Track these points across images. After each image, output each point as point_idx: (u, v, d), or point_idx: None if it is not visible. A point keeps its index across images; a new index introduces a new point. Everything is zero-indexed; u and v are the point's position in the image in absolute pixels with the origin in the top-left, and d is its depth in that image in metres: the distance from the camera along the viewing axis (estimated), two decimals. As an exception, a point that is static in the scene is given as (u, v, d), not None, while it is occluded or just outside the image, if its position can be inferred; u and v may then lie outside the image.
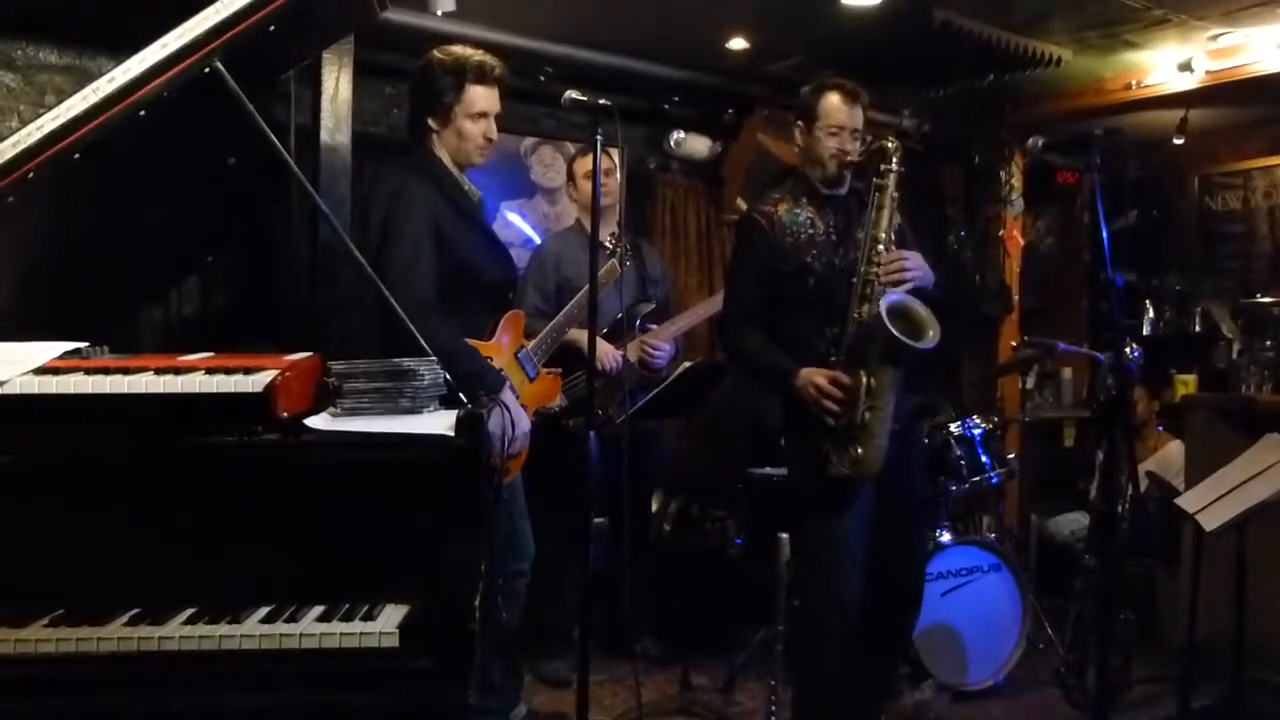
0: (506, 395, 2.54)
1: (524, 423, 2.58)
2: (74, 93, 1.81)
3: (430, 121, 2.71)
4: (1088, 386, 5.78)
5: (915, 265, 2.71)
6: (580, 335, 3.25)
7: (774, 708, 3.19)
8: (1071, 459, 5.55)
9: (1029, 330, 5.41)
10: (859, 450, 2.62)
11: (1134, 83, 4.76)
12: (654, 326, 3.81)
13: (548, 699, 3.52)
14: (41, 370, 1.62)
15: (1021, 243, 5.66)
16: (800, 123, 2.89)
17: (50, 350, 1.70)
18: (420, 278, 2.52)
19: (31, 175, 1.79)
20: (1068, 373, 5.94)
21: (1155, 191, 5.92)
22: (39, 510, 1.60)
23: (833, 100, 2.82)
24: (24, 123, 1.82)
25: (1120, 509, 3.82)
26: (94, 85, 1.80)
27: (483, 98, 2.69)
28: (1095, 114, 4.94)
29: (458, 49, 2.72)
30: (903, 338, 2.53)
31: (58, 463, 1.61)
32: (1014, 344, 5.23)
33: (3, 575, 1.57)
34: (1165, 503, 3.87)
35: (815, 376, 2.66)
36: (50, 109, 1.80)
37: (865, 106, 2.87)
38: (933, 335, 2.58)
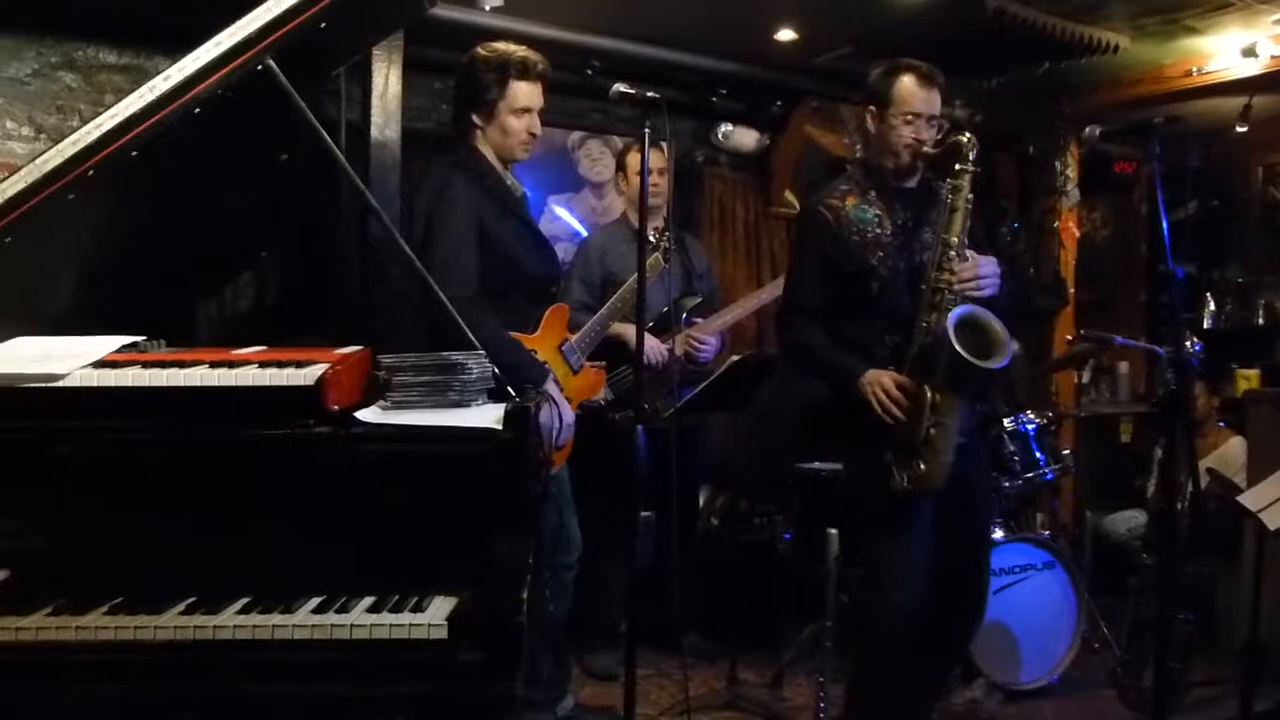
0: (550, 387, 2.55)
1: (569, 415, 2.59)
2: (132, 92, 1.84)
3: (474, 117, 2.72)
4: (1145, 381, 5.65)
5: (989, 274, 2.58)
6: (626, 329, 3.26)
7: (822, 704, 3.17)
8: (1128, 455, 5.45)
9: (1084, 324, 5.31)
10: (922, 466, 2.51)
11: (1195, 69, 4.63)
12: (699, 321, 3.79)
13: (595, 692, 3.53)
14: (100, 364, 1.66)
15: (1077, 234, 5.55)
16: (872, 108, 2.71)
17: (108, 344, 1.73)
18: (462, 272, 2.54)
19: (91, 173, 1.83)
20: (1124, 367, 5.82)
21: (1217, 181, 5.77)
22: (97, 500, 1.63)
23: (908, 84, 2.65)
24: (84, 121, 1.86)
25: (1179, 506, 3.73)
26: (150, 84, 1.83)
27: (526, 93, 2.70)
28: (1154, 102, 4.82)
29: (500, 45, 2.73)
30: (969, 357, 2.40)
31: (115, 454, 1.64)
32: (1069, 338, 5.13)
33: (63, 564, 1.60)
34: (1226, 500, 3.77)
35: (883, 378, 2.55)
36: (109, 108, 1.84)
37: (943, 90, 2.70)
38: (1002, 354, 2.45)
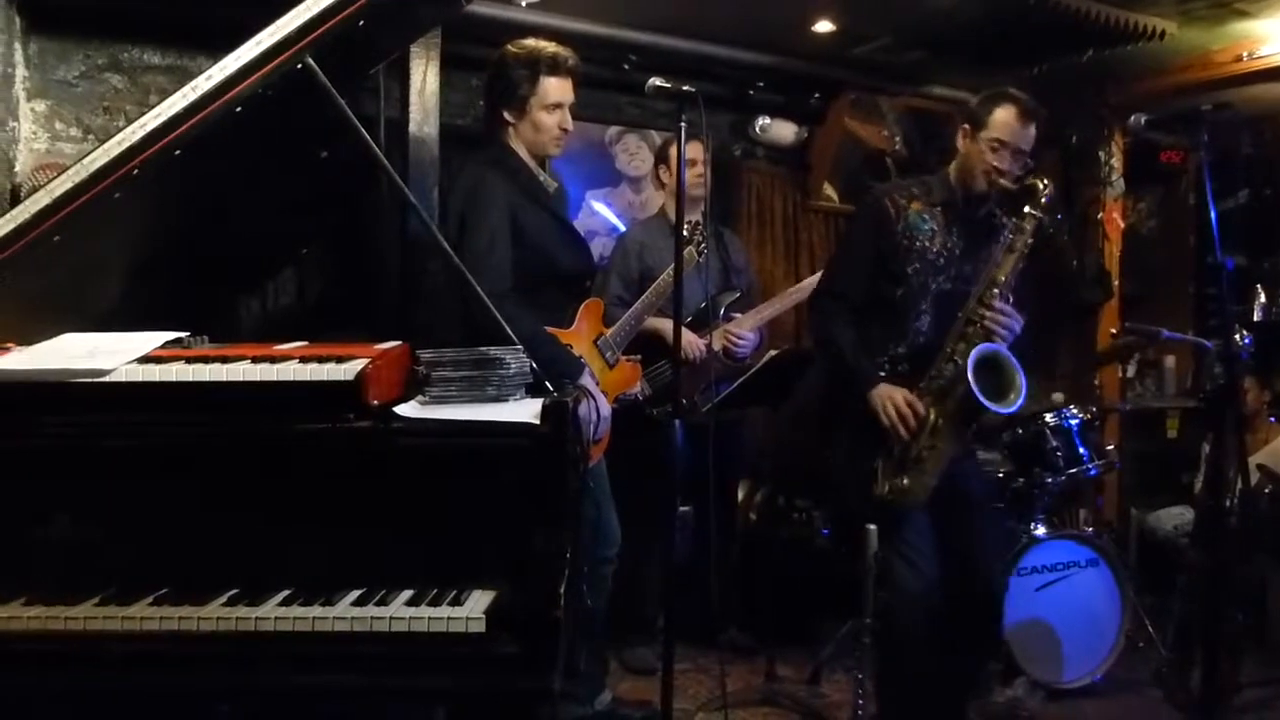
0: (586, 381, 2.56)
1: (606, 409, 2.60)
2: (175, 92, 1.87)
3: (506, 114, 2.74)
4: (1193, 375, 5.54)
5: (1013, 330, 2.62)
6: (663, 324, 3.26)
7: (860, 701, 3.14)
8: (1174, 451, 5.34)
9: (1130, 317, 5.22)
10: (906, 481, 2.59)
11: (1245, 54, 4.52)
12: (737, 315, 3.78)
13: (632, 686, 3.53)
14: (145, 359, 1.68)
15: (1122, 226, 5.45)
16: (965, 126, 2.76)
17: (153, 340, 1.76)
18: (497, 268, 2.56)
19: (136, 172, 1.86)
20: (1171, 361, 5.71)
21: (1268, 169, 5.63)
22: (142, 493, 1.66)
23: (1007, 112, 2.67)
24: (130, 122, 1.89)
25: (1228, 503, 3.66)
26: (193, 84, 1.86)
27: (557, 89, 2.71)
28: (1202, 89, 4.71)
29: (530, 41, 2.74)
30: (981, 398, 2.48)
31: (159, 447, 1.67)
32: (1113, 331, 5.05)
33: (110, 556, 1.63)
34: (1277, 497, 3.69)
35: (895, 395, 2.60)
36: (154, 108, 1.87)
37: (1042, 127, 2.73)
38: (1014, 399, 2.52)
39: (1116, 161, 5.33)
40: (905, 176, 2.99)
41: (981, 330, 2.58)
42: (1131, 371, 4.55)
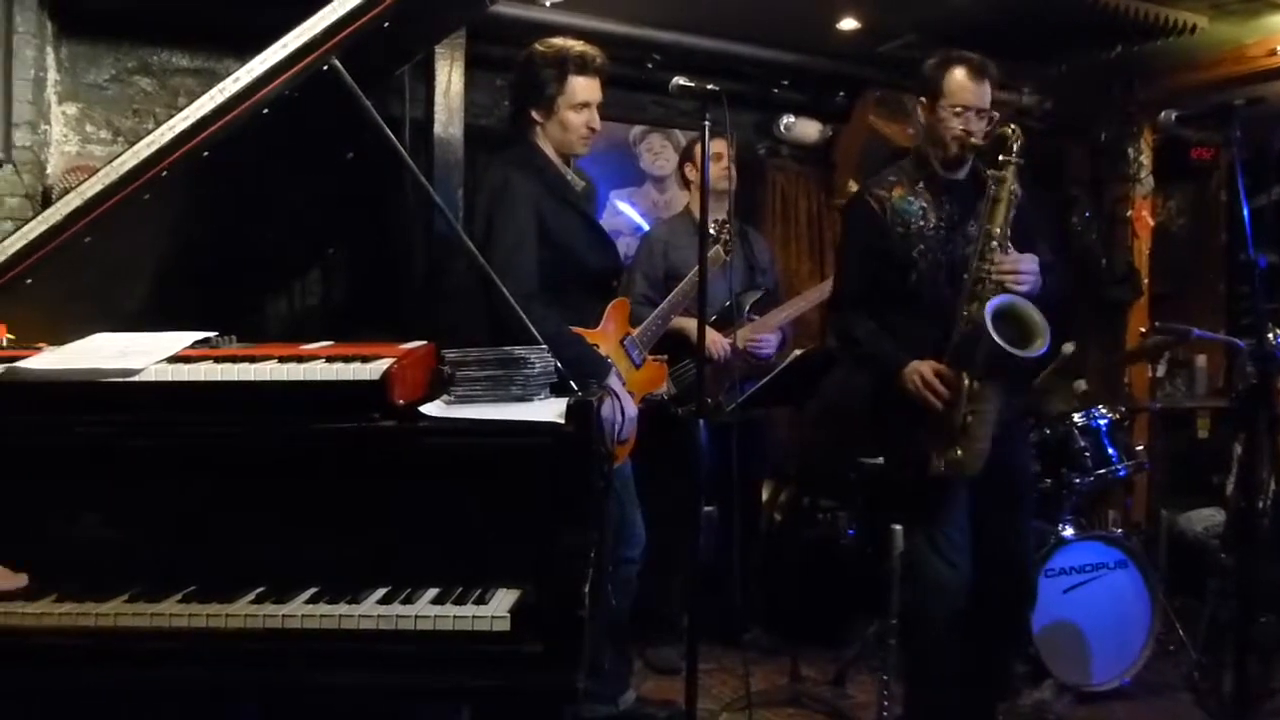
0: (613, 381, 2.56)
1: (632, 409, 2.60)
2: (203, 94, 1.89)
3: (533, 113, 2.74)
4: (1225, 375, 5.46)
5: (1028, 270, 2.58)
6: (688, 323, 3.25)
7: (886, 702, 3.13)
8: (1205, 451, 5.26)
9: (1159, 315, 5.15)
10: (958, 452, 2.56)
11: (1278, 48, 4.46)
12: (756, 318, 3.77)
13: (657, 686, 3.53)
14: (174, 359, 1.70)
15: (1151, 223, 5.39)
16: (922, 99, 2.74)
17: (182, 340, 1.78)
18: (523, 268, 2.56)
19: (165, 174, 1.88)
20: (1202, 360, 5.63)
21: (1302, 166, 5.54)
22: (171, 491, 1.68)
23: (958, 76, 2.67)
24: (159, 124, 1.91)
25: (1260, 504, 3.61)
26: (220, 86, 1.88)
27: (584, 88, 2.71)
28: (1234, 84, 4.64)
29: (558, 41, 2.75)
30: (1006, 345, 2.44)
31: (188, 446, 1.68)
32: (1143, 330, 4.99)
33: (139, 554, 1.65)
34: (1311, 498, 3.63)
35: (922, 367, 2.59)
36: (182, 110, 1.89)
37: (994, 82, 2.71)
38: (1041, 343, 2.48)
39: (1146, 158, 5.27)
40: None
41: (991, 284, 2.54)
42: (1161, 371, 4.49)
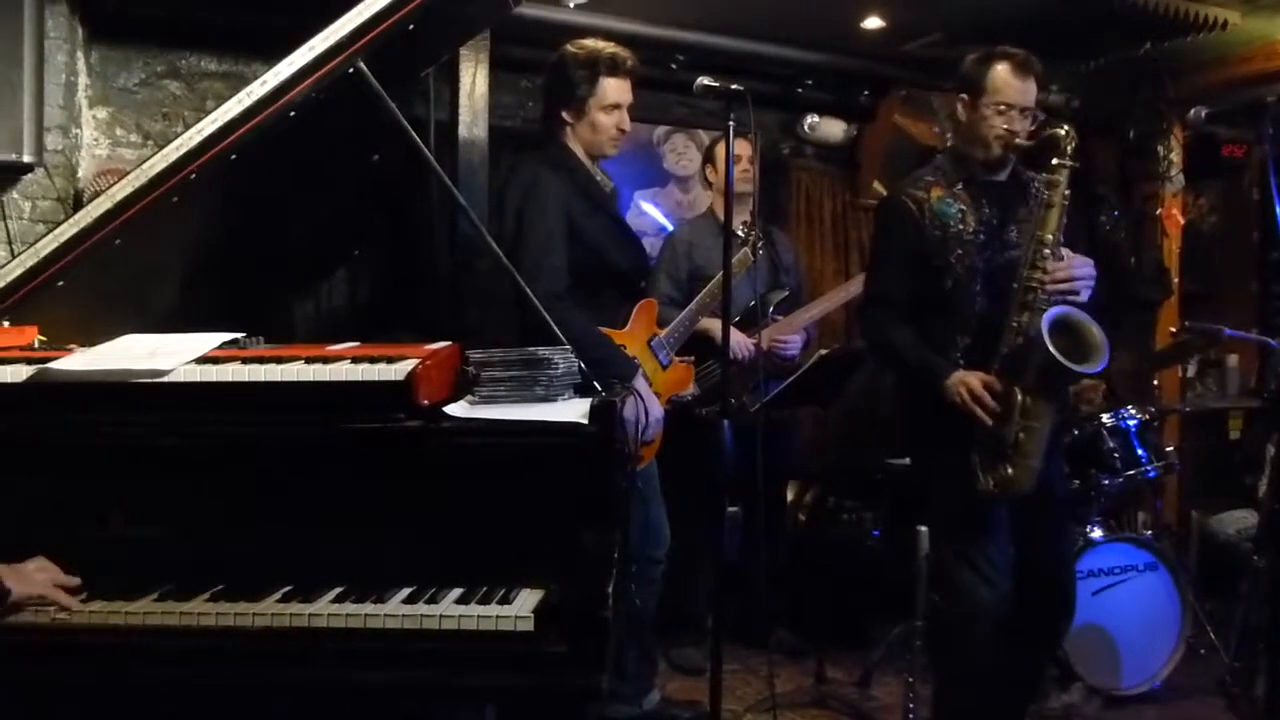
0: (639, 382, 2.56)
1: (657, 410, 2.59)
2: (231, 98, 1.91)
3: (564, 114, 2.75)
4: (1257, 375, 5.39)
5: (1084, 275, 2.49)
6: (712, 324, 3.25)
7: (912, 704, 3.11)
8: (1237, 452, 5.20)
9: (1190, 315, 5.09)
10: (1009, 470, 2.44)
11: (1312, 44, 4.40)
12: (781, 318, 3.76)
13: (681, 686, 3.53)
14: (202, 360, 1.72)
15: (1181, 222, 5.32)
16: (963, 96, 2.63)
17: (210, 341, 1.80)
18: (552, 268, 2.57)
19: (193, 176, 1.90)
20: (1233, 360, 5.56)
21: (1336, 163, 5.46)
22: (199, 491, 1.69)
23: (1003, 72, 2.55)
24: (188, 127, 1.93)
25: (1294, 506, 3.56)
26: (248, 89, 1.90)
27: (615, 90, 2.72)
28: (1266, 80, 4.57)
29: (590, 42, 2.75)
30: (1064, 360, 2.32)
31: (216, 446, 1.70)
32: (1173, 330, 4.93)
33: (168, 553, 1.67)
34: (1346, 500, 3.57)
35: (970, 379, 2.48)
36: (210, 114, 1.91)
37: (1040, 80, 2.60)
38: (1099, 359, 2.37)
39: (1176, 156, 5.21)
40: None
41: (1044, 295, 2.44)
42: (1192, 371, 4.44)
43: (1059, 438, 2.83)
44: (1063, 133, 2.47)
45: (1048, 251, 2.46)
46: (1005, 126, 2.55)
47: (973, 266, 2.58)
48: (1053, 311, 2.39)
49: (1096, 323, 2.41)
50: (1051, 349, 2.32)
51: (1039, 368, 2.38)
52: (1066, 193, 2.47)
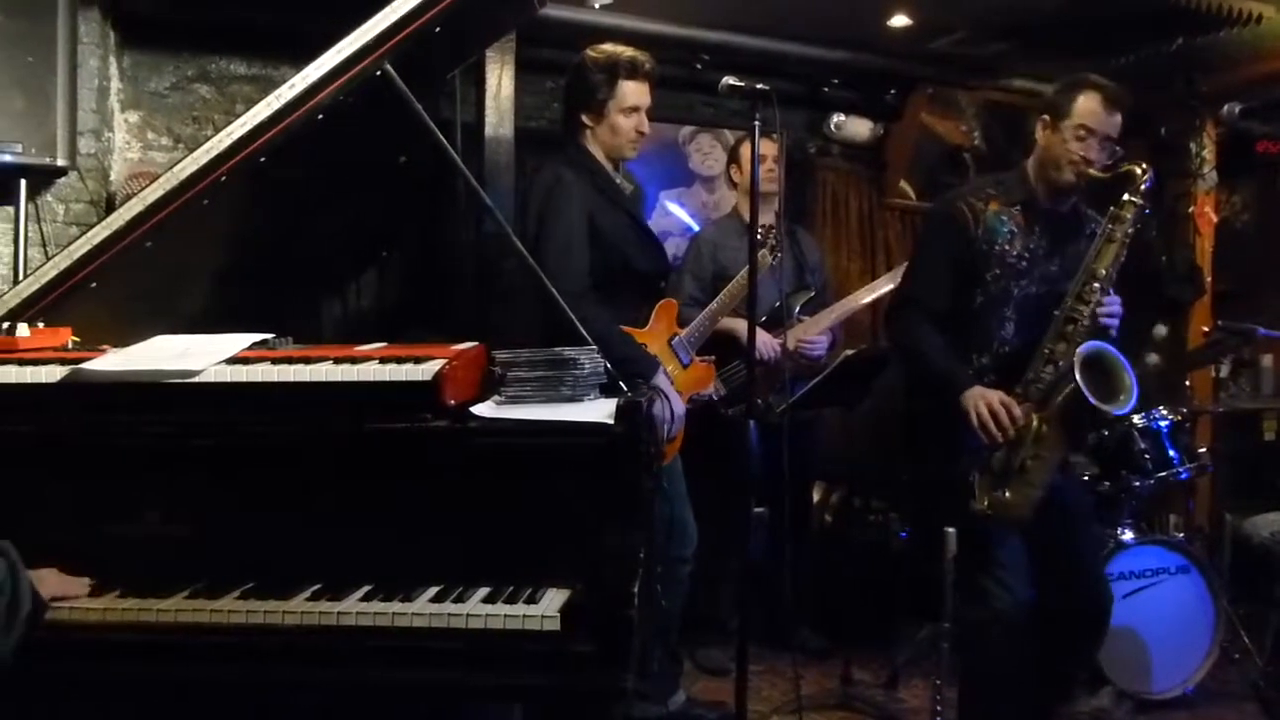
0: (660, 379, 2.57)
1: (680, 406, 2.61)
2: (260, 101, 1.93)
3: (584, 118, 2.77)
4: (1292, 375, 5.32)
5: (1116, 313, 2.52)
6: (737, 324, 3.24)
7: (939, 707, 3.08)
8: (1272, 453, 5.12)
9: (1223, 314, 5.01)
10: (1008, 494, 2.44)
11: (1347, 40, 4.32)
12: (806, 318, 3.74)
13: (706, 687, 3.53)
14: (232, 360, 1.74)
15: (1214, 220, 5.25)
16: (1044, 117, 2.62)
17: (240, 341, 1.82)
18: (574, 267, 2.59)
19: (223, 179, 1.92)
20: (1268, 360, 5.48)
21: (1372, 159, 5.37)
22: (230, 490, 1.71)
23: (1091, 100, 2.54)
24: (218, 131, 1.96)
25: (1330, 508, 3.51)
26: (276, 93, 1.92)
27: (634, 92, 2.74)
28: (1302, 76, 4.52)
29: (609, 46, 2.79)
30: (1090, 395, 2.34)
31: (246, 445, 1.71)
32: (1205, 329, 4.87)
33: (199, 551, 1.69)
34: (1383, 503, 3.52)
35: (989, 395, 2.47)
36: (239, 117, 1.93)
37: (1125, 114, 2.59)
38: (1125, 400, 2.38)
39: (1208, 153, 5.13)
40: (983, 173, 2.87)
41: (1084, 328, 2.44)
42: (1225, 371, 4.37)
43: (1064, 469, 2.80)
44: (1139, 171, 2.47)
45: (1097, 285, 2.45)
46: (1082, 153, 2.53)
47: (1006, 290, 2.58)
48: (1087, 346, 2.39)
49: (1129, 368, 2.42)
50: (1080, 383, 2.33)
51: (1064, 399, 2.39)
52: (1130, 231, 2.46)
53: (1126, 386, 2.40)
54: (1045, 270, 2.60)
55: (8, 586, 1.19)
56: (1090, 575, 2.73)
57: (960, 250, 2.60)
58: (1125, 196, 2.46)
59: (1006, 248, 2.58)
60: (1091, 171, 2.53)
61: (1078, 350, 2.37)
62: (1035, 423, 2.42)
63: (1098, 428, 2.56)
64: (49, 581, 1.57)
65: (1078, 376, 2.34)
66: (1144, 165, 2.47)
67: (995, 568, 2.53)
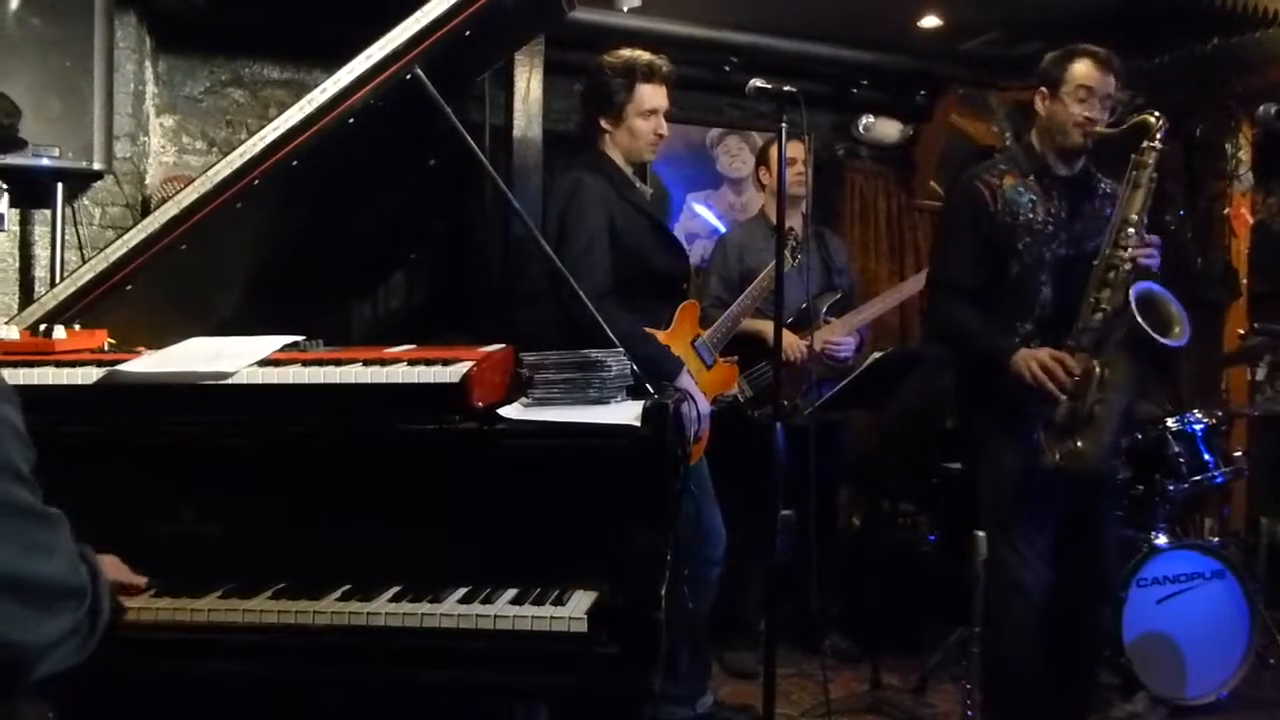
0: (684, 379, 2.58)
1: (705, 406, 2.62)
2: (293, 105, 1.95)
3: (603, 122, 2.80)
4: (1330, 378, 5.22)
5: (1155, 253, 2.58)
6: (763, 325, 3.24)
7: (970, 712, 3.06)
8: (1310, 458, 5.04)
9: (1259, 316, 4.94)
10: (1079, 443, 2.48)
11: (1386, 38, 4.24)
12: (833, 320, 3.73)
13: (734, 690, 3.52)
14: (264, 362, 1.76)
15: (1250, 221, 5.17)
16: (1043, 89, 2.70)
17: (272, 343, 1.84)
18: (595, 269, 2.60)
19: (256, 183, 1.94)
20: (1306, 363, 5.39)
21: None
22: (262, 491, 1.73)
23: (1084, 65, 2.64)
24: (251, 135, 1.98)
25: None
26: (308, 97, 1.94)
27: (652, 95, 2.76)
28: (1339, 76, 4.44)
29: (626, 51, 2.81)
30: (1151, 331, 2.39)
31: (277, 446, 1.73)
32: (1241, 332, 4.80)
33: (232, 551, 1.71)
34: None
35: (1038, 353, 2.52)
36: (272, 121, 1.95)
37: (1119, 77, 2.67)
38: (1180, 331, 2.45)
39: (1244, 154, 5.06)
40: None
41: (1125, 272, 2.49)
42: (1262, 374, 4.32)
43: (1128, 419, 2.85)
44: (1153, 119, 2.53)
45: (1132, 231, 2.51)
46: (1085, 113, 2.61)
47: (1039, 256, 2.64)
48: (1140, 285, 2.46)
49: (1176, 301, 2.50)
50: (1139, 318, 2.39)
51: (1124, 339, 2.45)
52: (1154, 175, 2.52)
53: (1178, 319, 2.47)
54: (1071, 232, 2.66)
55: (89, 594, 1.20)
56: (1102, 557, 2.78)
57: (984, 227, 2.67)
58: (1144, 144, 2.53)
59: (1031, 216, 2.65)
60: (1100, 129, 2.61)
61: (1134, 288, 2.44)
62: (1098, 368, 2.48)
63: (1157, 364, 2.59)
64: (110, 570, 1.59)
65: (1137, 314, 2.40)
66: (1156, 113, 2.53)
67: (1023, 545, 2.60)
